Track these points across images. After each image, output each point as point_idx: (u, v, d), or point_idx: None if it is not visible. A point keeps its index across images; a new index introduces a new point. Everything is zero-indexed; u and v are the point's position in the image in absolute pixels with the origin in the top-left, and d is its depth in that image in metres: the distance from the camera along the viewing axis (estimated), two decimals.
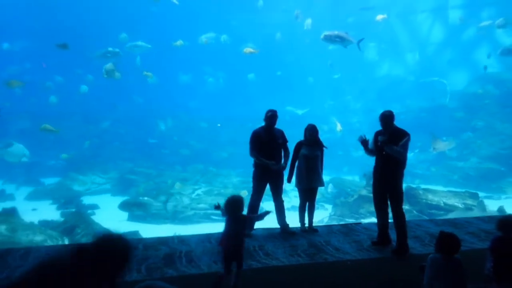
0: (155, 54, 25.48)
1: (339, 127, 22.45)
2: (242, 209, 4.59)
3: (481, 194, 16.78)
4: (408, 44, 31.61)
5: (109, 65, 17.85)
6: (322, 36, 15.61)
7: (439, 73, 27.97)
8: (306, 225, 7.05)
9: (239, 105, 27.63)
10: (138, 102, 27.19)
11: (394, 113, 6.25)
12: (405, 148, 6.00)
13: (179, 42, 22.52)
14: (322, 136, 7.15)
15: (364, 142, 6.27)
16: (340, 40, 15.43)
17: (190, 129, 26.24)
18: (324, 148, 7.01)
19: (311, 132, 6.88)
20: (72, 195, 18.47)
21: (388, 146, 6.03)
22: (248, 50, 21.22)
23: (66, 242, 12.05)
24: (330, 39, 15.54)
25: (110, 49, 20.23)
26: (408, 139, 6.02)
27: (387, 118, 6.14)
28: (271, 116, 6.78)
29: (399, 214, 6.07)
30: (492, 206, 15.52)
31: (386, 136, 6.05)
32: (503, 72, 25.01)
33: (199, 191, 17.56)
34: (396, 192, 6.07)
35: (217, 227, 13.10)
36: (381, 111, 6.36)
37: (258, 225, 7.02)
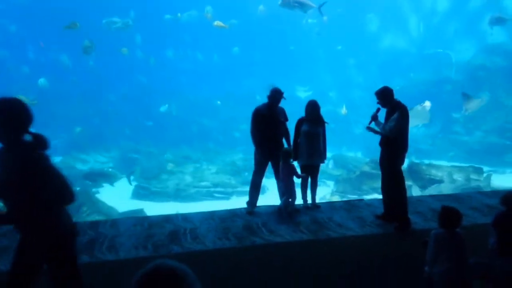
0: (156, 32, 25.28)
1: (344, 110, 22.07)
2: (292, 157, 6.57)
3: (485, 168, 16.71)
4: (412, 14, 30.92)
5: (86, 42, 17.72)
6: (279, 2, 15.32)
7: (444, 45, 27.33)
8: (309, 201, 7.05)
9: (245, 81, 27.48)
10: (140, 81, 27.04)
11: (389, 88, 6.06)
12: (391, 124, 5.80)
13: (178, 15, 21.94)
14: (322, 112, 7.02)
15: (374, 131, 6.17)
16: (299, 5, 15.11)
17: (193, 107, 26.11)
18: (326, 125, 6.93)
19: (313, 108, 6.78)
20: (75, 174, 18.53)
21: (375, 122, 6.07)
22: (218, 23, 20.28)
23: (73, 220, 12.18)
24: (288, 4, 15.23)
25: (120, 19, 19.99)
26: (400, 115, 5.79)
27: (378, 95, 6.05)
28: (278, 97, 6.65)
29: (395, 192, 6.02)
30: (497, 180, 15.50)
31: (386, 113, 5.98)
32: (510, 42, 24.45)
33: (201, 169, 17.64)
34: (388, 170, 6.03)
35: (220, 205, 13.27)
36: (383, 85, 6.24)
37: (260, 202, 7.06)
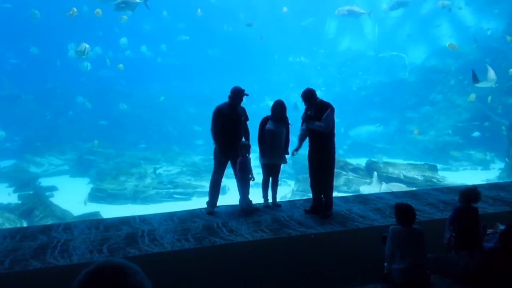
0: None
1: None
2: (248, 152, 6.63)
3: (439, 166, 17.33)
4: (367, 18, 31.66)
5: (82, 45, 17.42)
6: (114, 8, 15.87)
7: (399, 48, 28.27)
8: (270, 201, 7.02)
9: (204, 81, 27.31)
10: (98, 81, 26.16)
11: (313, 89, 6.58)
12: (327, 120, 6.27)
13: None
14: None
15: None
16: (125, 5, 15.74)
17: (149, 107, 25.57)
18: (289, 126, 6.97)
19: (279, 108, 6.82)
20: (29, 177, 17.82)
21: (309, 123, 6.40)
22: (98, 11, 18.84)
23: (25, 224, 11.77)
24: (117, 7, 15.84)
25: None
26: (330, 112, 6.29)
27: (305, 95, 6.47)
28: (240, 96, 6.67)
29: (329, 181, 6.51)
30: (451, 177, 16.09)
31: (311, 112, 6.40)
32: (461, 45, 25.51)
33: (160, 170, 17.31)
34: (328, 162, 6.46)
35: (180, 205, 13.04)
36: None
37: (221, 202, 6.98)
